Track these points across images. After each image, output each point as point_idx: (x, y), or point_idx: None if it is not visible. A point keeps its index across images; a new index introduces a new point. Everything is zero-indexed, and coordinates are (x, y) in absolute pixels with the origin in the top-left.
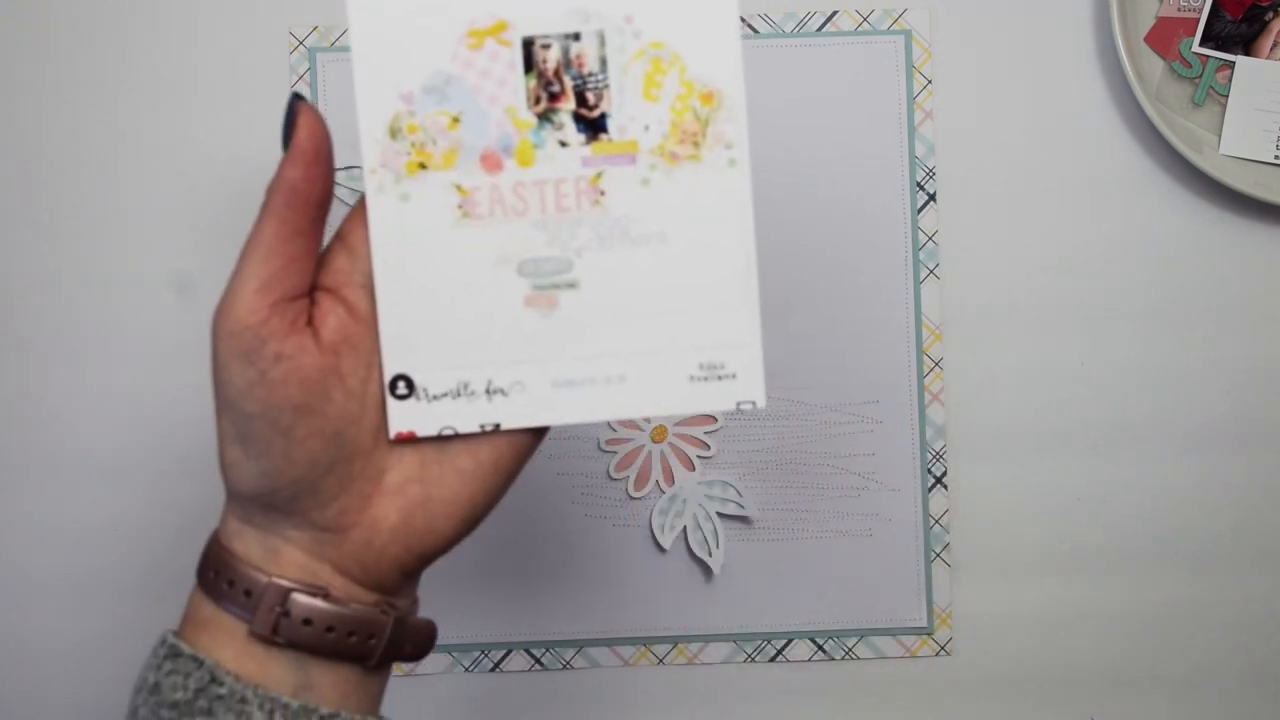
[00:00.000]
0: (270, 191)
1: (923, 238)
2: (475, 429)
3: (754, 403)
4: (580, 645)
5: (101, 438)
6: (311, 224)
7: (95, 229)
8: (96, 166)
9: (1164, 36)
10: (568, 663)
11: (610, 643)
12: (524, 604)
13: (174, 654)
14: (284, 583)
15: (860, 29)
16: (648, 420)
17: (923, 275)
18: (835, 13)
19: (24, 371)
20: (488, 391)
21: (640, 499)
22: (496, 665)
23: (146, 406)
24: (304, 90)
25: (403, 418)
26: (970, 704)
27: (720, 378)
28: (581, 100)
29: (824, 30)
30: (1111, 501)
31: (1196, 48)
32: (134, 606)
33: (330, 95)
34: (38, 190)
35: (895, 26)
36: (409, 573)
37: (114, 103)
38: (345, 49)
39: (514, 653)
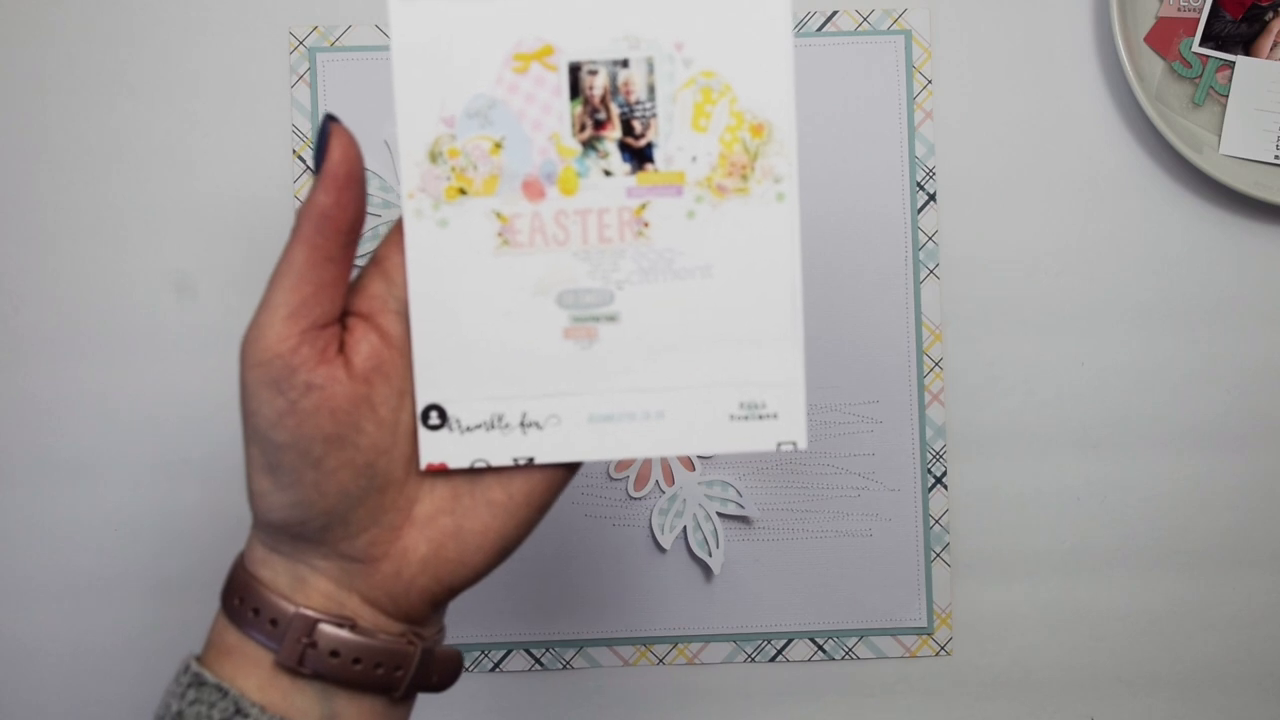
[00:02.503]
0: (301, 216)
1: (923, 238)
2: (508, 462)
3: (795, 444)
4: (580, 645)
5: (101, 438)
6: (342, 250)
7: (95, 229)
8: (96, 166)
9: (1164, 36)
10: (568, 663)
11: (610, 643)
12: (524, 604)
13: (198, 682)
14: (311, 613)
15: (860, 29)
16: None
17: (923, 275)
18: (835, 13)
19: (24, 371)
20: (522, 424)
21: (640, 499)
22: (496, 665)
23: (146, 406)
24: (304, 90)
25: (435, 449)
26: (970, 704)
27: (761, 417)
28: (628, 129)
29: (824, 30)
30: (1111, 501)
31: (1196, 48)
32: (133, 607)
33: (330, 95)
34: (38, 190)
35: (895, 26)
36: (437, 604)
37: (114, 103)
38: (346, 49)
39: (514, 653)
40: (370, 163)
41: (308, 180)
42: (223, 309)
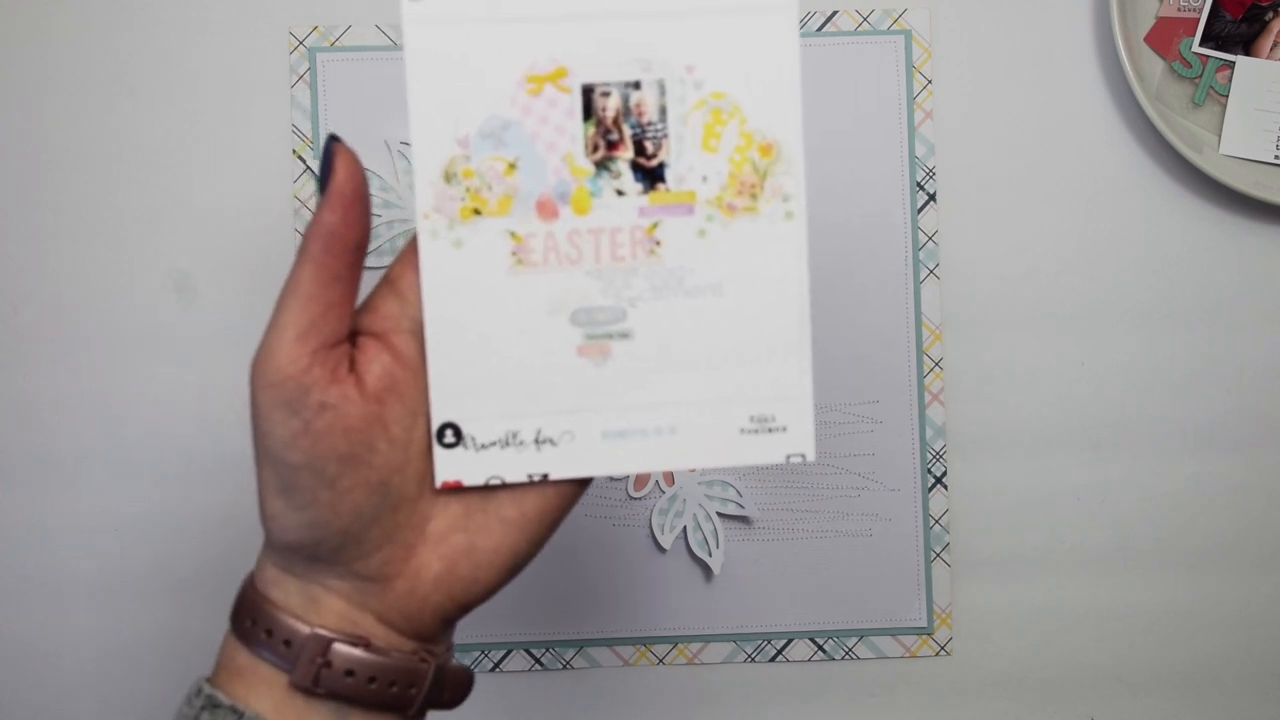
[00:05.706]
0: (307, 236)
1: (923, 238)
2: (523, 479)
3: (804, 456)
4: (580, 645)
5: (101, 438)
6: (350, 268)
7: (95, 229)
8: (96, 166)
9: (1164, 36)
10: (568, 663)
11: (610, 643)
12: (524, 604)
13: (212, 704)
14: (325, 633)
15: (860, 29)
16: None
17: (923, 275)
18: (835, 13)
19: (24, 371)
20: (536, 441)
21: (640, 499)
22: (496, 665)
23: (146, 407)
24: (304, 90)
25: (449, 467)
26: (970, 704)
27: (770, 430)
28: (640, 149)
29: (824, 30)
30: (1111, 501)
31: (1196, 48)
32: (133, 607)
33: (330, 95)
34: (38, 190)
35: (895, 26)
36: (449, 621)
37: (114, 103)
38: (345, 49)
39: (514, 653)
40: (369, 162)
41: (308, 180)
42: (223, 309)
